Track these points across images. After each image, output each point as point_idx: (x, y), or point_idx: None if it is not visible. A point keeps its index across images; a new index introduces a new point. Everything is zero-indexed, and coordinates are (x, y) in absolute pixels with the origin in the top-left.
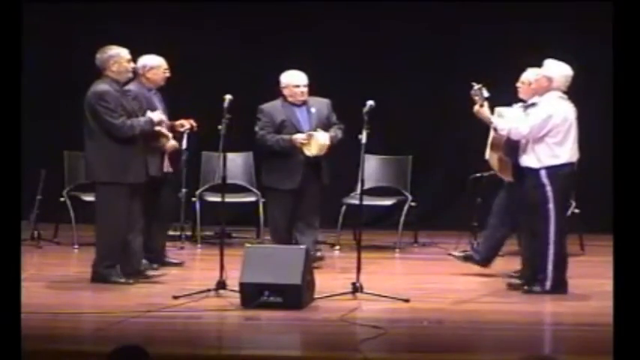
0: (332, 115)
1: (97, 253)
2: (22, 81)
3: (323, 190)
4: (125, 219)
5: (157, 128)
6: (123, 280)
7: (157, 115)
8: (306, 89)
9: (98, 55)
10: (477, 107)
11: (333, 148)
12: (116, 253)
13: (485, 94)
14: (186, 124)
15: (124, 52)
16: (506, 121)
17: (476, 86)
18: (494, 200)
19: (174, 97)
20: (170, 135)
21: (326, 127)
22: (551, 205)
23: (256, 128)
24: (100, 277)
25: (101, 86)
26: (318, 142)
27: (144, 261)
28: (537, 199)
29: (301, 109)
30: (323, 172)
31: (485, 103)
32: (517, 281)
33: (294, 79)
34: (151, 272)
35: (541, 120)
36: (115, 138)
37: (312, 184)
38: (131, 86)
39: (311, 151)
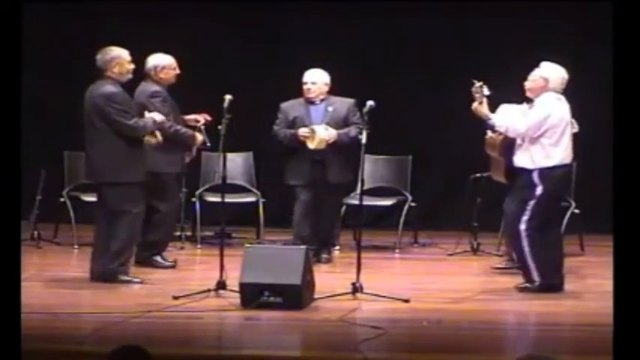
0: (352, 115)
1: (113, 252)
2: (22, 81)
3: (332, 189)
4: (140, 217)
5: (159, 127)
6: (129, 278)
7: (157, 116)
8: (313, 87)
9: (99, 56)
10: (475, 104)
11: (342, 146)
12: (130, 252)
13: (486, 91)
14: (200, 119)
15: (125, 54)
16: (504, 119)
17: (477, 84)
18: (494, 200)
19: (173, 97)
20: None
21: (341, 127)
22: (531, 202)
23: (274, 125)
24: (111, 274)
25: (108, 87)
26: (318, 136)
27: (158, 258)
28: (525, 198)
29: (317, 107)
30: (328, 170)
31: (485, 101)
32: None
33: (304, 77)
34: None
35: (538, 119)
36: (128, 138)
37: (319, 182)
38: (157, 87)
39: (313, 144)
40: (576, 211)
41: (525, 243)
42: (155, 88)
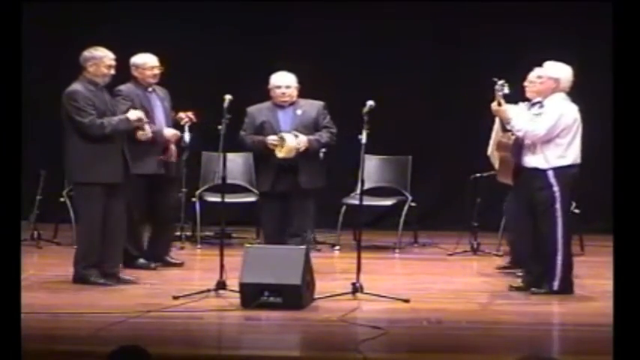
0: (323, 118)
1: (76, 254)
2: (22, 81)
3: (303, 195)
4: (101, 219)
5: (138, 124)
6: (102, 281)
7: (134, 113)
8: (288, 90)
9: (83, 52)
10: (495, 105)
11: (313, 152)
12: (94, 254)
13: (506, 90)
14: (184, 117)
15: (107, 57)
16: (524, 122)
17: (499, 82)
18: (494, 200)
19: (174, 97)
20: (147, 130)
21: (311, 131)
22: (558, 206)
23: (241, 130)
24: (79, 277)
25: (73, 86)
26: (288, 144)
27: (142, 260)
28: (544, 201)
29: (286, 111)
30: (300, 176)
31: (503, 101)
32: (519, 284)
33: (275, 80)
34: (126, 277)
35: (554, 121)
36: (86, 137)
37: (290, 188)
38: (122, 86)
39: (281, 152)
40: (576, 211)
41: (560, 252)
42: (119, 87)
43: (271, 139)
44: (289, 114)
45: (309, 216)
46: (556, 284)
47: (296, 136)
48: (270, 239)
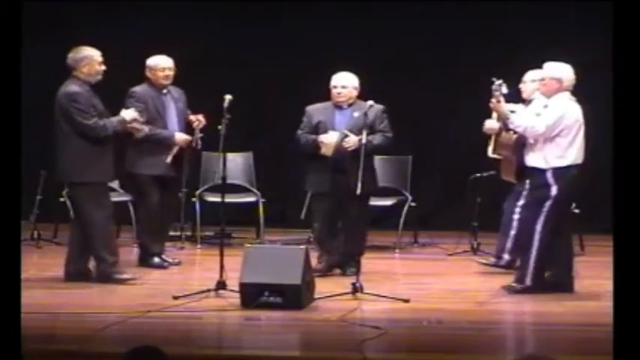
0: (380, 122)
1: (70, 253)
2: (22, 81)
3: (356, 198)
4: (98, 217)
5: (131, 125)
6: (125, 277)
7: (129, 113)
8: (344, 90)
9: (70, 55)
10: (494, 102)
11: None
12: (110, 251)
13: (504, 90)
14: (194, 119)
15: (96, 55)
16: (523, 119)
17: (497, 82)
18: (494, 200)
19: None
20: (143, 128)
21: (366, 133)
22: (548, 203)
23: (298, 129)
24: (73, 275)
25: (72, 87)
26: (330, 141)
27: (157, 259)
28: (540, 198)
29: (344, 112)
30: (351, 179)
31: (502, 99)
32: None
33: (333, 80)
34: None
35: (555, 119)
36: (87, 138)
37: (343, 192)
38: (137, 88)
39: (323, 148)
40: (576, 211)
41: (535, 246)
42: (134, 88)
43: (322, 137)
44: (346, 115)
45: (363, 225)
46: (528, 280)
47: (346, 135)
48: (321, 237)
